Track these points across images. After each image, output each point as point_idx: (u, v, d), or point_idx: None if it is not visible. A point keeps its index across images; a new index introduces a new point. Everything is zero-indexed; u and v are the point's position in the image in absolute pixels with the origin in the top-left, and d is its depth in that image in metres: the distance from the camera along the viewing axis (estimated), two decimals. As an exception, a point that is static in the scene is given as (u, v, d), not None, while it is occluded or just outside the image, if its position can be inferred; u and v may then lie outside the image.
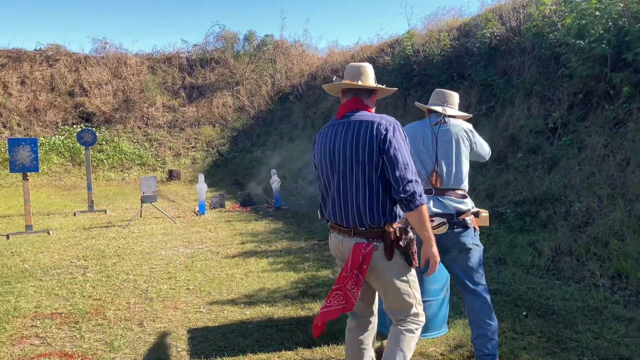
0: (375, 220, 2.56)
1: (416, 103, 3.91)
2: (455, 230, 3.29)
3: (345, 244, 2.68)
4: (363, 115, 2.66)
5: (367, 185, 2.55)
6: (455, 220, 3.30)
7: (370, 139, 2.53)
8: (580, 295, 4.93)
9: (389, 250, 2.57)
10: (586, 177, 6.47)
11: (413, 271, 2.70)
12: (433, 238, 2.61)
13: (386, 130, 2.52)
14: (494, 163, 8.34)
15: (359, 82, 2.72)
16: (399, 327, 2.67)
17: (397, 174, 2.49)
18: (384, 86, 2.85)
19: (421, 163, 3.41)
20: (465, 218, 3.34)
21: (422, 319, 2.73)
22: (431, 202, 3.28)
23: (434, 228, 3.14)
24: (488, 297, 3.41)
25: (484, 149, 3.62)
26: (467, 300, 3.44)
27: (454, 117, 3.51)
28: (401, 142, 2.55)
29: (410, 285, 2.67)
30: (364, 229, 2.59)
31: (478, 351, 3.36)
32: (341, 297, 2.56)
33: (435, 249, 2.61)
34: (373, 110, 2.79)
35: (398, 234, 2.58)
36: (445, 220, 3.25)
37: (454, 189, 3.38)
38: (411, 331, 2.66)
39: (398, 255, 2.60)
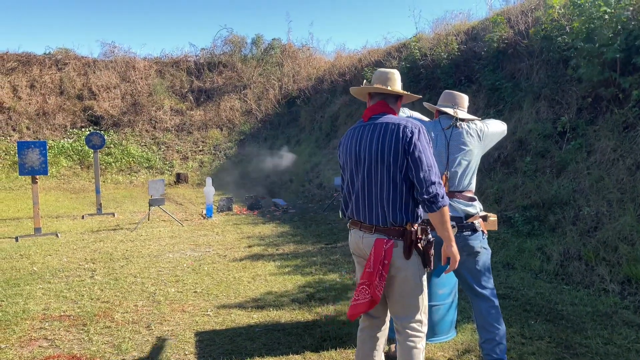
0: (398, 218, 2.63)
1: (425, 103, 3.87)
2: (464, 233, 3.29)
3: (365, 240, 2.73)
4: (389, 118, 2.75)
5: (392, 185, 2.63)
6: (464, 223, 3.29)
7: (397, 140, 2.61)
8: (589, 301, 4.90)
9: (408, 249, 2.63)
10: (595, 181, 6.43)
11: (425, 277, 2.75)
12: (453, 238, 2.69)
13: (412, 133, 2.60)
14: (502, 167, 8.30)
15: (388, 87, 2.80)
16: (407, 343, 2.72)
17: (422, 175, 2.56)
18: (409, 93, 2.93)
19: None
20: (474, 221, 3.33)
21: (425, 328, 2.77)
22: None
23: None
24: (496, 300, 3.39)
25: (497, 131, 3.59)
26: (474, 304, 3.42)
27: (463, 120, 3.50)
28: (425, 145, 2.63)
29: (422, 288, 2.72)
30: (385, 227, 2.66)
31: (486, 356, 3.34)
32: (367, 292, 2.61)
33: (455, 248, 2.70)
34: (398, 114, 2.87)
35: (419, 234, 2.66)
36: (454, 223, 3.24)
37: (462, 191, 3.38)
38: (417, 348, 2.72)
39: (415, 255, 2.67)
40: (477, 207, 3.39)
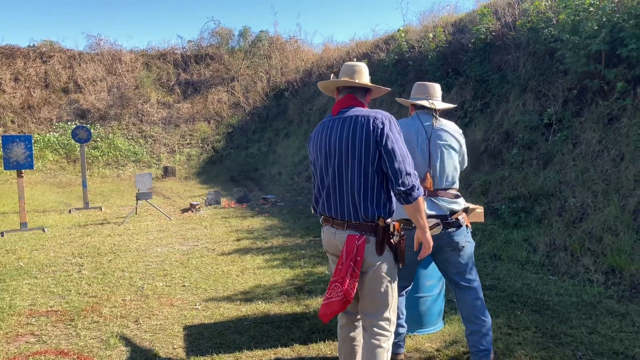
0: (369, 212, 2.58)
1: (398, 99, 3.75)
2: (449, 230, 3.27)
3: (338, 236, 2.68)
4: (358, 110, 2.68)
5: (362, 178, 2.57)
6: (449, 220, 3.28)
7: (367, 133, 2.55)
8: (574, 291, 4.96)
9: (380, 244, 2.59)
10: (581, 172, 6.49)
11: (396, 274, 2.72)
12: (427, 225, 2.69)
13: (382, 124, 2.55)
14: (489, 159, 8.36)
15: (356, 81, 2.75)
16: (372, 341, 2.66)
17: (396, 166, 2.51)
18: (378, 85, 2.88)
19: (415, 164, 3.34)
20: (459, 217, 3.32)
21: (393, 327, 2.72)
22: (425, 204, 3.23)
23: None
24: (481, 293, 3.41)
25: (465, 160, 3.58)
26: (459, 297, 3.43)
27: (441, 109, 3.46)
28: (397, 135, 2.58)
29: (392, 285, 2.68)
30: (357, 222, 2.61)
31: (473, 347, 3.37)
32: (339, 289, 2.56)
33: (429, 235, 2.70)
34: (367, 107, 2.79)
35: (391, 230, 2.61)
36: (439, 221, 3.22)
37: (446, 189, 3.34)
38: (382, 347, 2.65)
39: (388, 251, 2.63)
40: (461, 204, 3.37)
